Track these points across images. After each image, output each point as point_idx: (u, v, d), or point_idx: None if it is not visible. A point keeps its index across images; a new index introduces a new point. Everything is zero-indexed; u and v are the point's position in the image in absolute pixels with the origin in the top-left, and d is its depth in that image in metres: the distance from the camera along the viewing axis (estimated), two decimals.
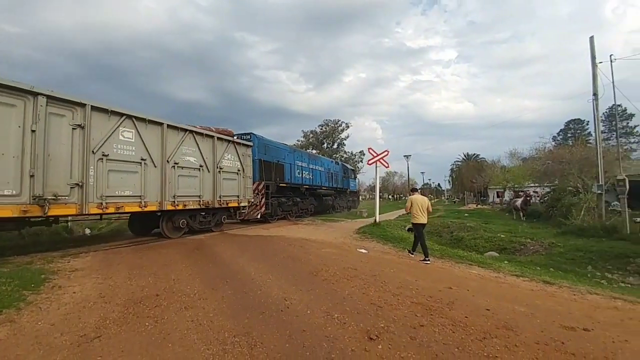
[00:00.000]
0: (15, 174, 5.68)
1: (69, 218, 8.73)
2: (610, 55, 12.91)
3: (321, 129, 49.87)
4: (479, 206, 36.91)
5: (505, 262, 7.78)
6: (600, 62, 12.84)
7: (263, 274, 5.22)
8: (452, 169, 68.29)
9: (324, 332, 3.09)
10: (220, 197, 10.31)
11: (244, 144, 11.94)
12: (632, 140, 47.13)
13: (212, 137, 10.15)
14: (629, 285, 6.58)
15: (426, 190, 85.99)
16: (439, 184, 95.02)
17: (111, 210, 7.26)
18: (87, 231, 11.30)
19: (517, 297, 4.46)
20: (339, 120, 50.45)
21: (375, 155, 12.91)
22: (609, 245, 9.49)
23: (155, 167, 8.21)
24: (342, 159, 46.04)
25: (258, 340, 2.89)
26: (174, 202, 8.73)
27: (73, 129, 6.57)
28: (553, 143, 37.37)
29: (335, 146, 50.05)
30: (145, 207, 7.92)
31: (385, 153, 12.94)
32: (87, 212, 6.72)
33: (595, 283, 6.33)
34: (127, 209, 7.63)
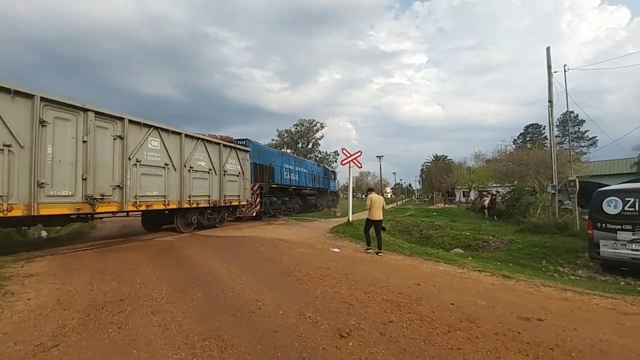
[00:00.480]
0: (71, 178, 6.82)
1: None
2: (564, 65, 13.97)
3: (296, 128, 49.83)
4: (447, 205, 38.54)
5: (470, 258, 8.19)
6: (556, 72, 13.83)
7: (235, 276, 5.14)
8: (422, 170, 70.61)
9: (295, 331, 3.11)
10: (225, 197, 11.81)
11: (243, 150, 13.40)
12: (583, 144, 51.21)
13: (219, 144, 11.60)
14: (578, 278, 7.15)
15: (398, 189, 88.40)
16: (409, 184, 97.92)
17: (143, 207, 8.64)
18: (44, 233, 10.50)
19: (480, 291, 4.72)
20: (313, 120, 50.68)
21: (348, 155, 13.12)
22: (561, 241, 10.25)
23: (175, 171, 9.54)
24: (317, 159, 46.30)
25: (229, 343, 2.85)
26: (190, 200, 10.06)
27: (114, 139, 7.80)
28: (513, 146, 39.70)
29: (310, 146, 50.18)
30: (168, 205, 9.24)
31: (359, 153, 13.18)
32: (125, 209, 8.04)
33: (549, 276, 6.82)
34: (155, 207, 8.97)
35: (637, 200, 6.74)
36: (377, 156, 29.32)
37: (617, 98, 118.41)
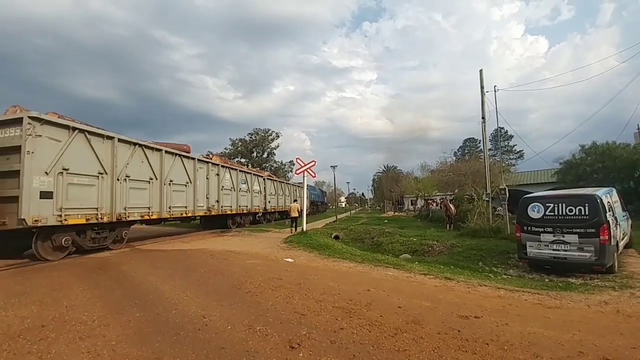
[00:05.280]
0: (202, 198, 13.45)
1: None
2: (495, 86, 15.66)
3: (251, 137, 48.79)
4: (397, 213, 40.40)
5: (416, 262, 8.64)
6: (487, 92, 15.43)
7: (179, 292, 4.81)
8: (374, 179, 73.50)
9: (244, 346, 2.99)
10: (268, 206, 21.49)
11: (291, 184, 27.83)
12: (512, 156, 57.35)
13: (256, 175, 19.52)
14: (510, 277, 7.87)
15: (351, 199, 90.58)
16: (362, 193, 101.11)
17: (226, 212, 15.73)
18: None
19: (424, 294, 4.99)
20: (269, 130, 50.05)
21: (302, 165, 13.21)
22: (495, 244, 11.27)
23: (234, 191, 16.67)
24: (273, 168, 45.72)
25: None
26: (242, 208, 17.56)
27: (216, 175, 14.78)
28: (454, 157, 43.09)
29: (265, 155, 49.39)
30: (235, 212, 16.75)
31: (313, 163, 13.35)
32: (220, 213, 15.05)
33: (485, 276, 7.43)
34: (228, 212, 15.97)
35: (556, 205, 7.58)
36: (331, 166, 29.97)
37: (538, 117, 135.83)
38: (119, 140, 9.21)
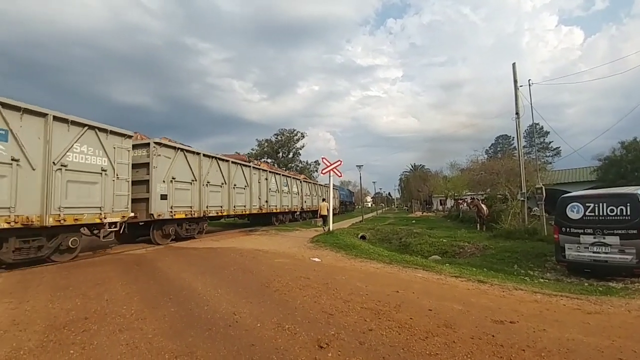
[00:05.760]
0: (255, 198, 16.04)
1: None
2: (529, 80, 14.85)
3: (276, 138, 49.58)
4: (425, 213, 39.41)
5: (447, 264, 8.35)
6: (521, 86, 14.66)
7: (211, 289, 4.97)
8: (401, 179, 72.15)
9: (273, 344, 3.02)
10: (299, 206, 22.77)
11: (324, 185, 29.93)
12: (548, 154, 54.20)
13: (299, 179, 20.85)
14: (547, 280, 7.44)
15: (378, 199, 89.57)
16: (389, 192, 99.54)
17: (272, 210, 18.17)
18: None
19: (456, 297, 4.81)
20: (294, 130, 50.64)
21: (328, 164, 13.21)
22: (530, 246, 10.68)
23: (278, 192, 19.03)
24: (298, 168, 46.23)
25: (203, 359, 2.73)
26: (285, 207, 20.05)
27: (265, 179, 17.13)
28: (485, 156, 41.35)
29: (290, 155, 50.00)
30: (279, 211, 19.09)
31: (339, 163, 13.31)
32: (264, 212, 17.22)
33: (520, 280, 7.05)
34: (274, 210, 18.33)
35: (596, 205, 7.13)
36: (357, 165, 29.66)
37: (575, 112, 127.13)
38: (203, 155, 12.12)
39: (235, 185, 14.08)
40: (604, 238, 6.89)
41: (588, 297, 5.13)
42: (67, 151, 7.25)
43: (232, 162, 14.18)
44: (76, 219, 7.35)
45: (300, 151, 50.72)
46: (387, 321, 3.62)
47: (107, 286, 5.18)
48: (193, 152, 11.66)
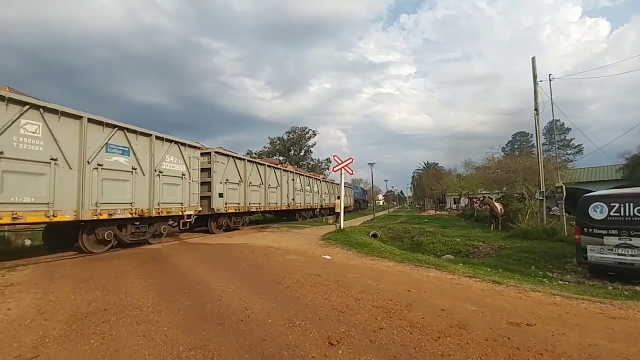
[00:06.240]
0: (284, 196, 18.07)
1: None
2: (549, 75, 14.33)
3: (288, 135, 49.75)
4: (438, 212, 38.84)
5: (460, 264, 8.21)
6: (541, 81, 14.19)
7: (223, 284, 5.05)
8: (413, 177, 71.20)
9: (284, 340, 3.05)
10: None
11: (349, 186, 36.16)
12: (569, 151, 52.39)
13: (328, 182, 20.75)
14: (567, 283, 7.18)
15: (389, 197, 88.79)
16: (401, 191, 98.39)
17: (297, 207, 20.36)
18: (27, 242, 10.24)
19: (470, 297, 4.73)
20: (306, 128, 50.68)
21: (340, 162, 13.17)
22: (549, 247, 10.35)
23: (302, 191, 20.69)
24: (309, 166, 46.32)
25: (215, 353, 2.78)
26: (307, 205, 21.74)
27: (291, 179, 18.68)
28: (502, 153, 40.34)
29: (302, 153, 50.10)
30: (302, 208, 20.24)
31: (350, 160, 13.24)
32: (294, 208, 19.61)
33: (538, 281, 6.85)
34: (299, 207, 20.60)
35: (622, 205, 6.83)
36: (369, 163, 29.59)
37: (598, 108, 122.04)
38: (247, 160, 14.81)
39: (269, 185, 16.39)
40: (630, 240, 6.58)
41: (612, 301, 4.93)
42: (162, 161, 9.59)
43: (268, 165, 16.69)
44: (168, 212, 9.72)
45: (311, 149, 50.77)
46: (398, 320, 3.60)
47: (125, 279, 5.34)
48: (240, 158, 14.25)
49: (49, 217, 6.56)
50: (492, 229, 16.91)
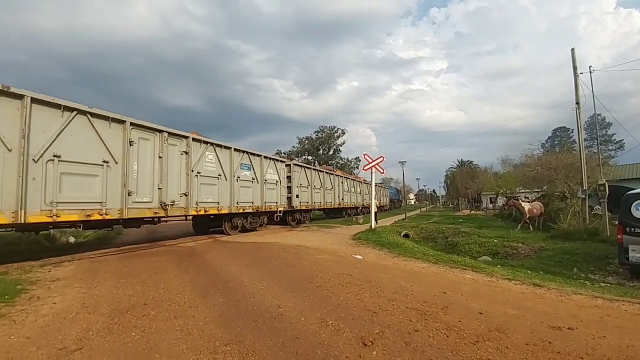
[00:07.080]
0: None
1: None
2: (590, 67, 13.31)
3: (317, 135, 50.01)
4: (473, 212, 37.28)
5: (498, 266, 7.81)
6: (581, 73, 13.21)
7: (256, 281, 5.15)
8: (446, 175, 68.67)
9: (317, 338, 3.05)
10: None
11: (383, 187, 41.44)
12: (610, 147, 48.40)
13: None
14: (608, 285, 6.69)
15: (421, 196, 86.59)
16: (434, 190, 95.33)
17: (345, 206, 22.78)
18: (71, 239, 11.03)
19: (509, 300, 4.48)
20: (334, 127, 50.72)
21: (370, 161, 13.00)
22: (591, 248, 9.65)
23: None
24: (339, 165, 46.27)
25: (250, 349, 2.83)
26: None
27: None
28: (541, 150, 37.96)
29: (331, 152, 50.17)
30: (220, 210, 10.84)
31: (381, 159, 13.03)
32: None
33: (580, 284, 6.39)
34: (346, 206, 23.19)
35: None
36: (400, 162, 28.77)
37: (638, 101, 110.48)
38: (313, 169, 19.20)
39: (326, 187, 19.95)
40: None
41: None
42: (266, 173, 13.57)
43: (326, 172, 20.64)
44: (270, 208, 13.71)
45: (340, 148, 50.73)
46: (433, 322, 3.48)
47: (163, 275, 5.60)
48: (306, 167, 18.16)
49: (218, 210, 10.70)
50: (518, 228, 16.08)
